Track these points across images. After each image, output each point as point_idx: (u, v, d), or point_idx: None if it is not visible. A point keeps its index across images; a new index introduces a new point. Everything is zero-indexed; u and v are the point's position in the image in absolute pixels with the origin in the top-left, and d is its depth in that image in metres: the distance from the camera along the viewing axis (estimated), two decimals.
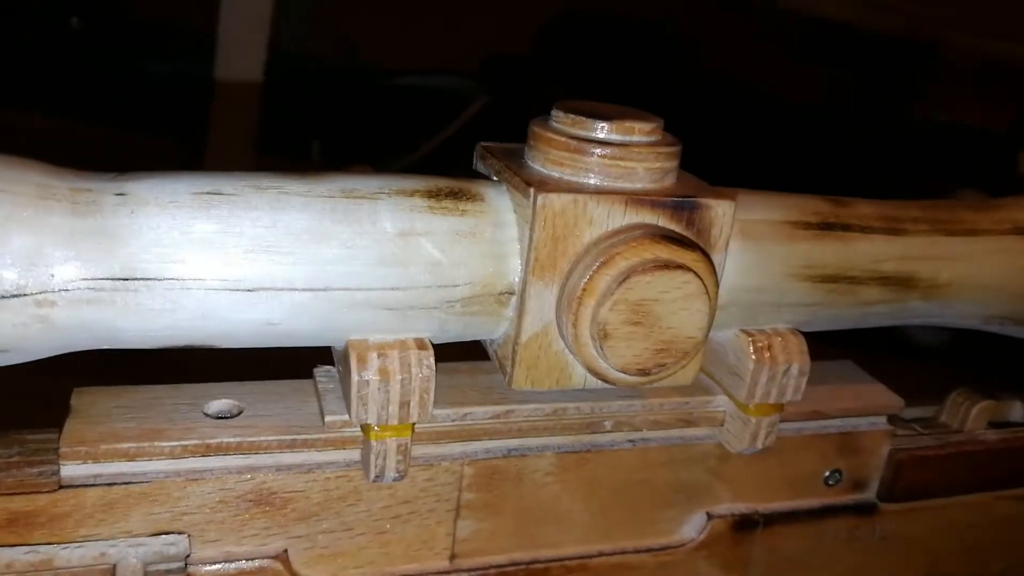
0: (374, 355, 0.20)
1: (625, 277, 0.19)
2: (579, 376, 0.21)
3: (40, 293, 0.17)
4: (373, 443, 0.20)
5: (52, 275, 0.17)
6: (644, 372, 0.20)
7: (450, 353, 0.22)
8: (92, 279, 0.17)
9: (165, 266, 0.18)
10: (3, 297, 0.17)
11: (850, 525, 0.28)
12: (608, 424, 0.23)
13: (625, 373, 0.20)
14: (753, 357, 0.23)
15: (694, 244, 0.20)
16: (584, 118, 0.20)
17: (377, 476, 0.21)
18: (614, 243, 0.19)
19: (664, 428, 0.24)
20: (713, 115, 0.89)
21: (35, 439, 0.20)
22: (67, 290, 0.17)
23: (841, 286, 0.23)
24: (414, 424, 0.21)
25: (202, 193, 0.18)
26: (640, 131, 0.20)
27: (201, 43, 0.87)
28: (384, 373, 0.19)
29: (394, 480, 0.21)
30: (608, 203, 0.20)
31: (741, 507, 0.26)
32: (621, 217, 0.20)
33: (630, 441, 0.24)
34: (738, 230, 0.22)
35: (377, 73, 1.06)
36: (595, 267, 0.19)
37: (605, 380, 0.20)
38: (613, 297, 0.19)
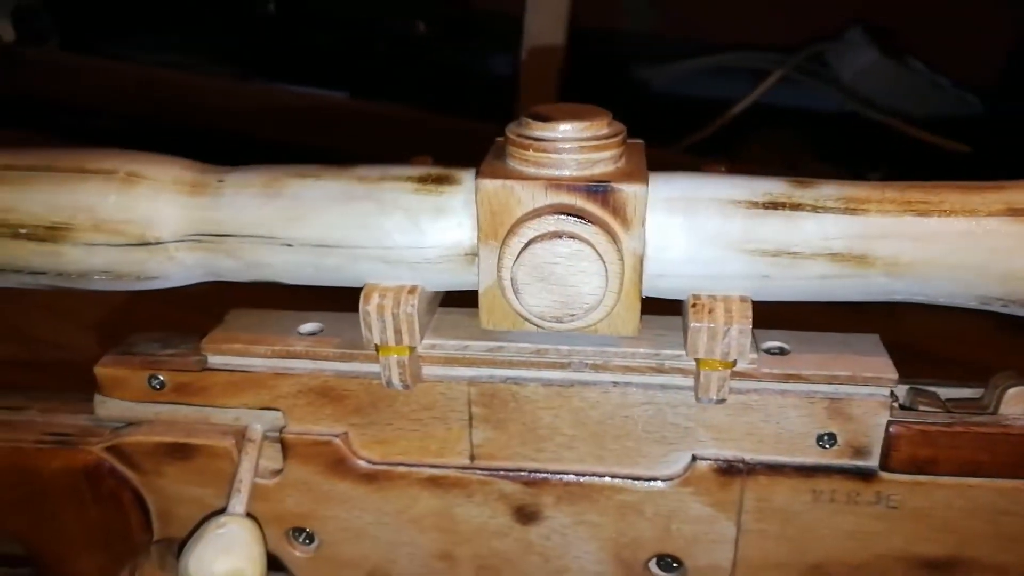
0: (376, 295, 0.27)
1: (528, 243, 0.25)
2: (526, 321, 0.27)
3: (172, 242, 0.28)
4: (381, 358, 0.28)
5: (178, 232, 0.28)
6: (558, 320, 0.25)
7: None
8: (199, 235, 0.28)
9: (244, 227, 0.28)
10: (153, 244, 0.28)
11: (849, 488, 0.29)
12: (585, 366, 0.29)
13: (543, 319, 0.26)
14: (693, 317, 0.26)
15: (592, 219, 0.25)
16: (529, 120, 0.26)
17: (388, 383, 0.29)
18: (527, 217, 0.25)
19: (637, 374, 0.29)
20: None
21: (198, 341, 0.32)
22: (185, 241, 0.28)
23: (783, 260, 0.26)
24: (412, 348, 0.28)
25: (266, 182, 0.28)
26: (570, 129, 0.25)
27: (508, 30, 1.00)
28: (380, 308, 0.27)
29: (401, 388, 0.29)
30: (532, 187, 0.25)
31: (727, 453, 0.29)
32: (544, 198, 0.25)
33: (612, 382, 0.29)
34: (684, 207, 0.26)
35: (675, 49, 1.11)
36: (511, 235, 0.25)
37: (537, 325, 0.26)
38: (520, 259, 0.25)
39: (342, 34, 1.13)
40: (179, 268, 0.28)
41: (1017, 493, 0.28)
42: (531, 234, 0.25)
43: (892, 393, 0.29)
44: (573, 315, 0.25)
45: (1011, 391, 0.28)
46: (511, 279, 0.25)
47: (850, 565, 0.30)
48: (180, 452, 0.31)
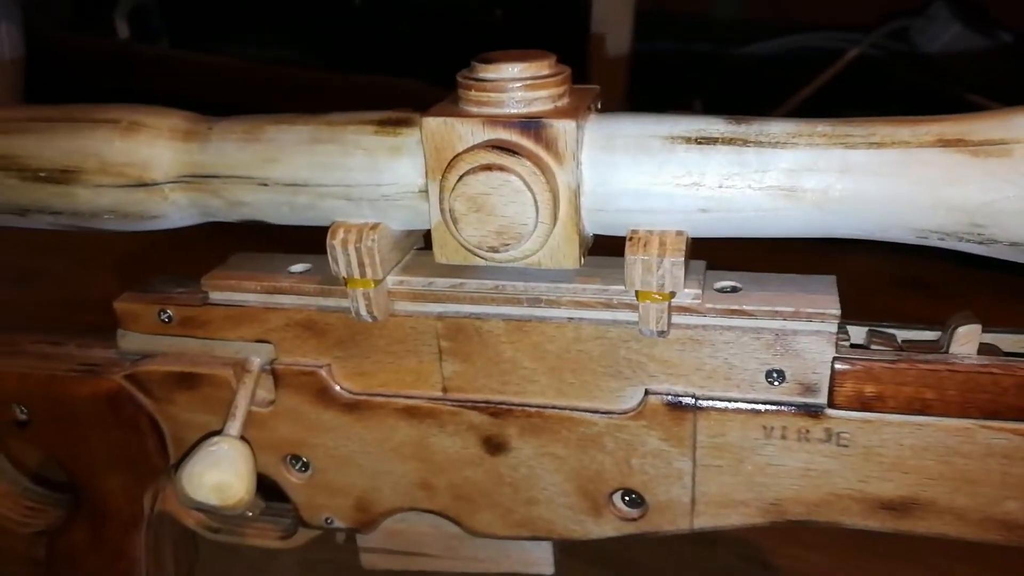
0: (342, 231, 0.30)
1: (462, 175, 0.26)
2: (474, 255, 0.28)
3: (166, 183, 0.31)
4: (349, 291, 0.31)
5: (170, 173, 0.31)
6: (494, 249, 0.27)
7: None
8: (189, 176, 0.31)
9: (226, 168, 0.30)
10: (150, 185, 0.31)
11: (799, 425, 0.29)
12: (541, 302, 0.30)
13: (480, 249, 0.27)
14: (629, 250, 0.27)
15: (525, 153, 0.26)
16: (476, 63, 0.28)
17: (356, 315, 0.31)
18: (464, 152, 0.27)
19: (588, 309, 0.30)
20: None
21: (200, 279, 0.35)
22: (177, 182, 0.31)
23: (718, 194, 0.27)
24: (377, 281, 0.30)
25: (247, 128, 0.30)
26: (508, 70, 0.27)
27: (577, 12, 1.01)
28: (344, 243, 0.30)
29: (369, 319, 0.31)
30: (470, 124, 0.27)
31: (678, 388, 0.30)
32: (482, 135, 0.27)
33: (568, 318, 0.30)
34: (620, 144, 0.27)
35: (750, 31, 1.10)
36: (449, 168, 0.27)
37: (477, 255, 0.28)
38: (456, 190, 0.27)
39: (423, 24, 1.17)
40: (174, 208, 0.31)
41: (968, 433, 0.28)
42: (466, 167, 0.26)
43: (844, 331, 0.30)
44: (507, 245, 0.27)
45: (960, 330, 0.28)
46: (450, 210, 0.27)
47: (808, 503, 0.31)
48: (187, 381, 0.35)
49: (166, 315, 0.34)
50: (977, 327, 0.28)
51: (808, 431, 0.29)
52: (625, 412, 0.31)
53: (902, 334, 0.30)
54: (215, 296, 0.34)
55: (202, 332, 0.34)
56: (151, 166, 0.31)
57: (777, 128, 0.26)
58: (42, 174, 0.31)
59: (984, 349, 0.29)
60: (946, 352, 0.28)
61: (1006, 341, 0.30)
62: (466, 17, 1.13)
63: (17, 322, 0.43)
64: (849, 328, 0.31)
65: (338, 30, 1.25)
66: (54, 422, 0.37)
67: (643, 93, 1.03)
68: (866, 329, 0.31)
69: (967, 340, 0.28)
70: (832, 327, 0.28)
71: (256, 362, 0.34)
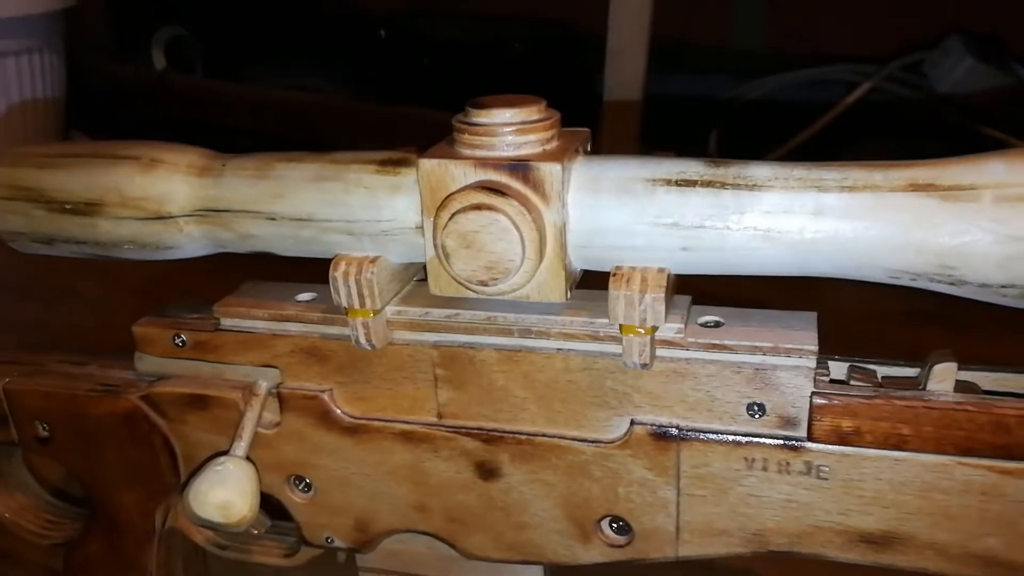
0: (343, 263, 0.31)
1: (453, 213, 0.28)
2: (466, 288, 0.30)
3: (181, 216, 0.33)
4: (350, 320, 0.32)
5: (185, 207, 0.33)
6: (484, 283, 0.29)
7: None
8: (203, 210, 0.33)
9: (237, 203, 0.32)
10: (167, 218, 0.33)
11: (779, 458, 0.30)
12: (531, 332, 0.32)
13: (471, 282, 0.29)
14: (612, 285, 0.29)
15: (513, 194, 0.28)
16: (471, 108, 0.29)
17: (356, 342, 0.33)
18: (456, 192, 0.28)
19: (576, 340, 0.31)
20: None
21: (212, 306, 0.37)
22: (191, 215, 0.33)
23: (696, 234, 0.28)
24: (377, 311, 0.32)
25: (258, 166, 0.32)
26: (499, 115, 0.29)
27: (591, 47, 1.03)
28: (346, 274, 0.31)
29: (368, 347, 0.33)
30: (463, 166, 0.28)
31: (662, 419, 0.31)
32: (474, 176, 0.28)
33: (557, 348, 0.32)
34: (604, 186, 0.29)
35: (767, 63, 1.11)
36: (442, 207, 0.28)
37: (468, 288, 0.29)
38: (447, 227, 0.28)
39: (445, 56, 1.20)
40: (188, 239, 0.33)
41: (945, 469, 0.29)
42: (457, 206, 0.28)
43: (824, 367, 0.31)
44: (496, 279, 0.28)
45: (937, 367, 0.29)
46: (442, 246, 0.28)
47: (790, 534, 0.32)
48: (198, 402, 0.37)
49: (180, 339, 0.36)
50: (953, 365, 0.29)
51: (789, 463, 0.30)
52: (612, 441, 0.32)
53: (883, 370, 0.31)
54: (226, 322, 0.36)
55: (213, 356, 0.36)
56: (168, 200, 0.33)
57: (754, 171, 0.28)
58: (68, 206, 0.34)
59: (962, 387, 0.30)
60: (923, 389, 0.29)
61: (986, 380, 0.31)
62: (486, 50, 1.16)
63: (46, 341, 0.45)
64: (831, 364, 0.32)
65: (364, 61, 1.28)
66: (74, 439, 0.39)
67: (658, 124, 1.05)
68: (847, 365, 0.31)
69: (943, 377, 0.29)
70: (810, 362, 0.29)
71: (263, 386, 0.36)
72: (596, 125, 1.05)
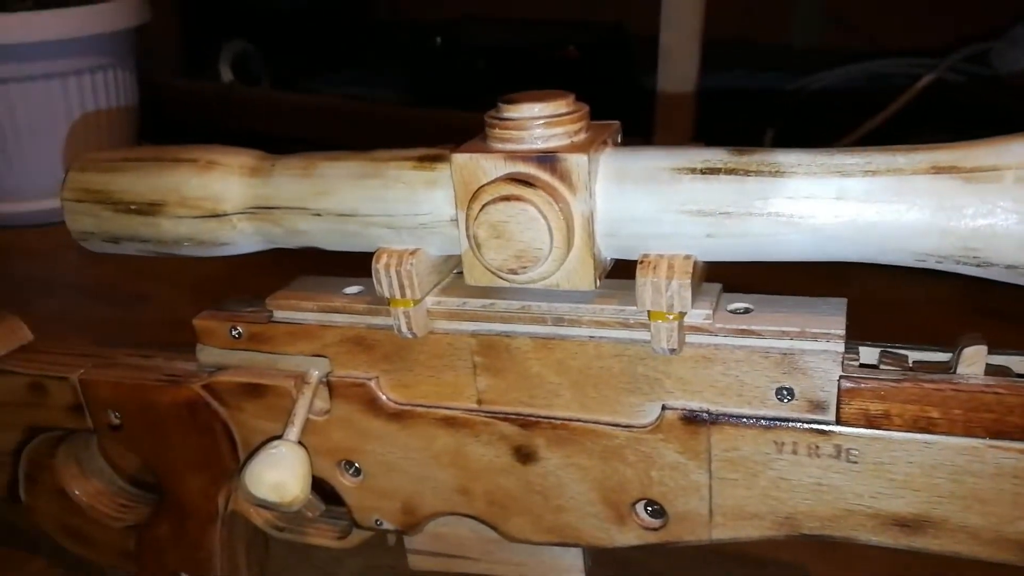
0: (385, 256, 0.33)
1: (484, 205, 0.29)
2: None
3: (234, 214, 0.35)
4: (392, 310, 0.34)
5: (238, 205, 0.35)
6: (514, 272, 0.30)
7: None
8: (254, 207, 0.35)
9: (285, 201, 0.34)
10: (221, 216, 0.35)
11: (809, 441, 0.31)
12: (564, 320, 0.33)
13: (502, 271, 0.30)
14: (640, 273, 0.30)
15: (541, 184, 0.29)
16: (501, 103, 0.31)
17: (399, 331, 0.34)
18: (487, 184, 0.30)
19: (607, 328, 0.32)
20: None
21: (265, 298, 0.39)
22: (243, 213, 0.35)
23: (721, 220, 0.29)
24: (417, 301, 0.33)
25: (303, 165, 0.34)
26: (530, 110, 0.30)
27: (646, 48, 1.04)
28: (387, 266, 0.33)
29: (410, 336, 0.34)
30: (494, 160, 0.30)
31: (692, 404, 0.32)
32: (503, 168, 0.30)
33: (589, 336, 0.33)
34: (631, 176, 0.30)
35: (826, 58, 1.10)
36: (474, 199, 0.30)
37: (500, 276, 0.31)
38: (479, 219, 0.29)
39: (500, 61, 1.22)
40: (241, 236, 0.35)
41: (976, 452, 0.29)
42: (487, 198, 0.29)
43: (854, 352, 0.31)
44: (525, 268, 0.30)
45: (967, 350, 0.29)
46: (474, 236, 0.30)
47: (821, 518, 0.32)
48: (254, 391, 0.39)
49: (236, 331, 0.38)
50: (983, 348, 0.29)
51: (818, 447, 0.31)
52: (644, 426, 0.33)
53: (915, 355, 0.31)
54: (278, 315, 0.38)
55: (267, 347, 0.38)
56: (222, 199, 0.35)
57: (777, 158, 0.28)
58: (133, 207, 0.36)
59: (994, 371, 0.30)
60: (953, 372, 0.29)
61: (1020, 364, 0.31)
62: (540, 54, 1.17)
63: (120, 339, 0.48)
64: (864, 349, 0.32)
65: (422, 68, 1.31)
66: (142, 426, 0.42)
67: (715, 122, 1.05)
68: (879, 350, 0.32)
69: (973, 360, 0.29)
70: (838, 346, 0.30)
71: (314, 374, 0.38)
72: (650, 125, 1.05)
